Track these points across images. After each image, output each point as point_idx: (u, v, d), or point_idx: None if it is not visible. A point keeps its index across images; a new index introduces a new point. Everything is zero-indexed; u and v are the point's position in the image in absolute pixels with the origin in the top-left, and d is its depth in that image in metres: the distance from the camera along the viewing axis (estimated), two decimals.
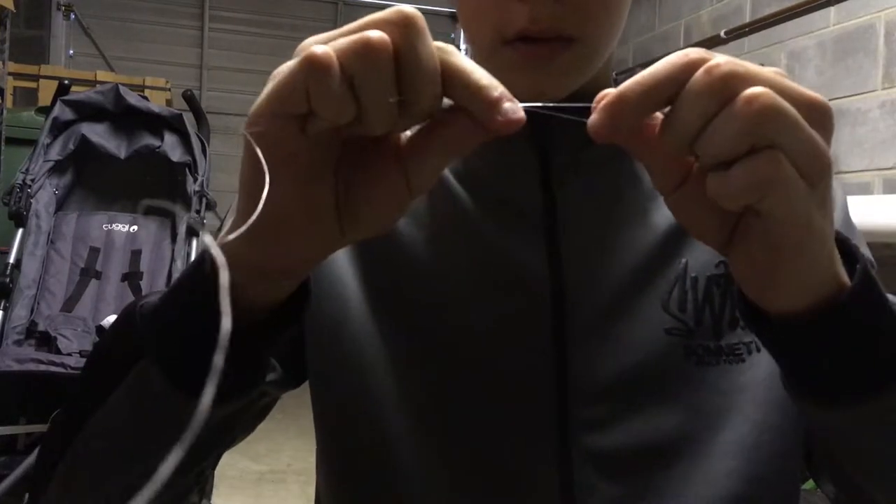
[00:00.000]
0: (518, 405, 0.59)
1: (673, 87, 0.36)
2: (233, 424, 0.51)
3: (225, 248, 0.39)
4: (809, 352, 0.41)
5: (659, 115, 0.38)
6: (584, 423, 0.58)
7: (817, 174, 0.35)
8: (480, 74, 0.36)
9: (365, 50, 0.34)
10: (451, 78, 0.35)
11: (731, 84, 0.34)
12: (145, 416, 0.46)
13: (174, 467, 0.49)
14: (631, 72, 0.72)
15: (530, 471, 0.58)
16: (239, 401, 0.45)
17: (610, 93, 0.37)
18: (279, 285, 0.42)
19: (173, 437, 0.46)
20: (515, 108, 0.35)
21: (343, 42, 0.34)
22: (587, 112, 0.38)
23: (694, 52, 0.36)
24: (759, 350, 0.59)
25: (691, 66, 0.35)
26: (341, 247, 0.40)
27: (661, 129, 0.37)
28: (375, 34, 0.34)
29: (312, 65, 0.33)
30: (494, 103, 0.35)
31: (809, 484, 0.66)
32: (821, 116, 0.36)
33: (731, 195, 0.36)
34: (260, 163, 0.36)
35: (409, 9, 0.35)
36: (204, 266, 0.41)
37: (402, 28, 0.34)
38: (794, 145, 0.34)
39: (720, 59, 0.35)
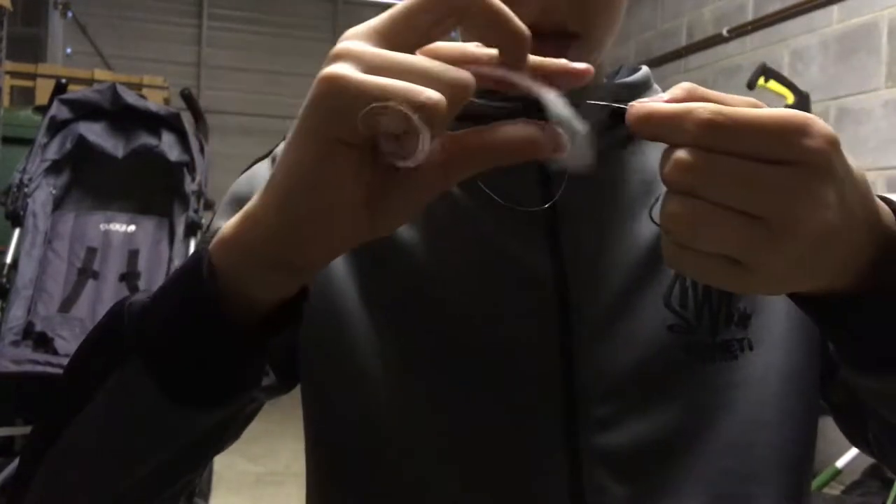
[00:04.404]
0: (525, 406, 0.58)
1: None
2: (225, 429, 0.50)
3: (242, 240, 0.39)
4: (847, 323, 0.42)
5: None
6: (593, 422, 0.58)
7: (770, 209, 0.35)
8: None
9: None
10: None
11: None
12: (131, 419, 0.45)
13: (161, 476, 0.48)
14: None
15: (539, 473, 0.58)
16: (234, 404, 0.45)
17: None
18: (293, 281, 0.41)
19: (161, 442, 0.45)
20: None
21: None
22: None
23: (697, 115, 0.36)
24: (751, 348, 0.60)
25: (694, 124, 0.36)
26: (368, 240, 0.39)
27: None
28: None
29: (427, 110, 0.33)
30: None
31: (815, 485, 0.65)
32: (776, 146, 0.35)
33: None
34: (309, 169, 0.36)
35: None
36: (200, 267, 0.40)
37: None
38: (725, 199, 0.35)
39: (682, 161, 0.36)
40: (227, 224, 0.41)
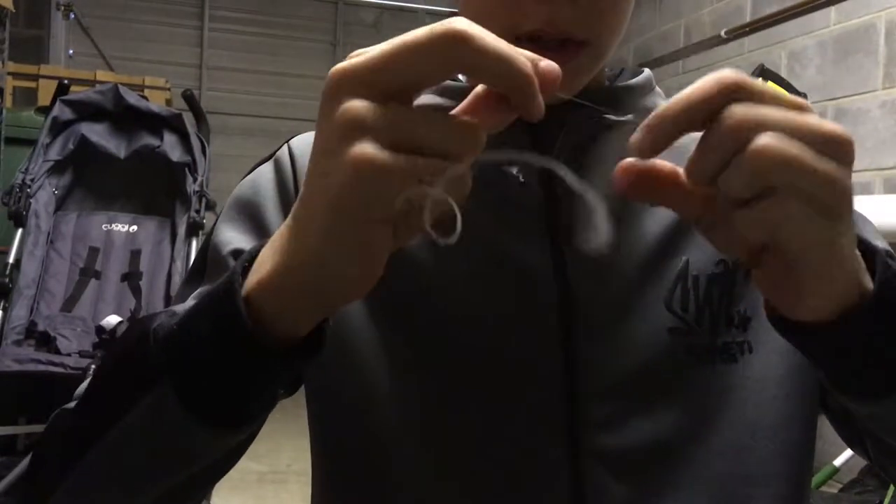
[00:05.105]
0: (526, 407, 0.58)
1: (707, 112, 0.37)
2: (244, 447, 0.52)
3: (280, 286, 0.40)
4: (836, 352, 0.43)
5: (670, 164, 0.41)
6: (594, 423, 0.58)
7: (835, 208, 0.37)
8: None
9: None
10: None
11: (744, 131, 0.36)
12: (159, 441, 0.46)
13: (178, 494, 0.49)
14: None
15: (541, 474, 0.58)
16: (255, 425, 0.46)
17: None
18: (326, 314, 0.43)
19: (186, 462, 0.47)
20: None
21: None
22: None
23: (728, 77, 0.38)
24: (751, 351, 0.60)
25: (724, 92, 0.37)
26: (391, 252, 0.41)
27: (690, 165, 0.39)
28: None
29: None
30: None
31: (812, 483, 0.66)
32: (838, 149, 0.37)
33: (747, 231, 0.38)
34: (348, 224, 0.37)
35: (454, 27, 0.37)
36: (234, 303, 0.41)
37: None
38: (806, 187, 0.36)
39: (738, 108, 0.37)
40: (262, 266, 0.41)
